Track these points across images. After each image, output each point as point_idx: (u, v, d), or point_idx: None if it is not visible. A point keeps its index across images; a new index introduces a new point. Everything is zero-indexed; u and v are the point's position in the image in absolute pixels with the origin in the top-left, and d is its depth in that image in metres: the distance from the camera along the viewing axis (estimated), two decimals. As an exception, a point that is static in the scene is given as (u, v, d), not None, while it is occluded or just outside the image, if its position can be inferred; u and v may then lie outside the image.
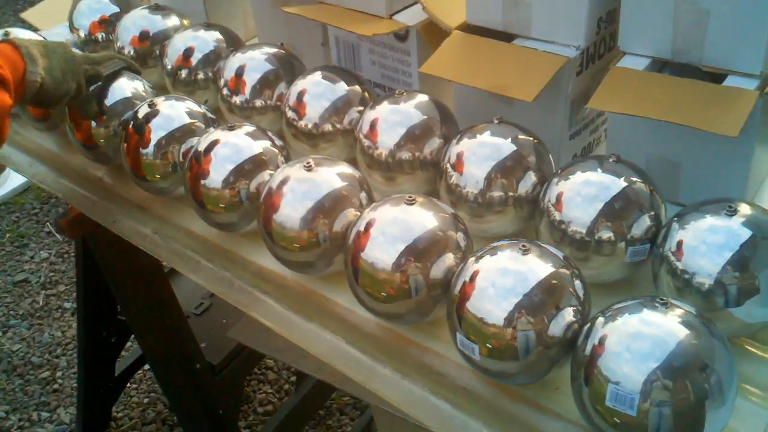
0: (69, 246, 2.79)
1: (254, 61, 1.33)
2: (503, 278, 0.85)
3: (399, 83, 1.37)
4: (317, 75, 1.25)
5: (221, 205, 1.10)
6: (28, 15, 1.74)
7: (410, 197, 0.96)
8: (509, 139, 1.06)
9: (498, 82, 1.14)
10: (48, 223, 2.90)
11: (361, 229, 0.95)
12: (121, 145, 1.21)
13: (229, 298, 1.06)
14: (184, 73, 1.41)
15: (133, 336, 2.00)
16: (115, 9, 1.57)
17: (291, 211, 1.01)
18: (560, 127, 1.21)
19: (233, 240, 1.15)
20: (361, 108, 1.23)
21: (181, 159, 1.18)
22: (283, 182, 1.03)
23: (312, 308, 1.01)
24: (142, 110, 1.21)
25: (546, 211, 1.00)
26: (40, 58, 1.11)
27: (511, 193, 1.04)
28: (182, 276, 1.86)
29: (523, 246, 0.87)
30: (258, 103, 1.31)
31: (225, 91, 1.33)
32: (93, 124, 1.27)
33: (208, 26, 1.46)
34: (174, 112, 1.21)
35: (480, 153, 1.06)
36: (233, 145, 1.11)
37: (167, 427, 2.12)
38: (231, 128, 1.13)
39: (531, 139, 1.08)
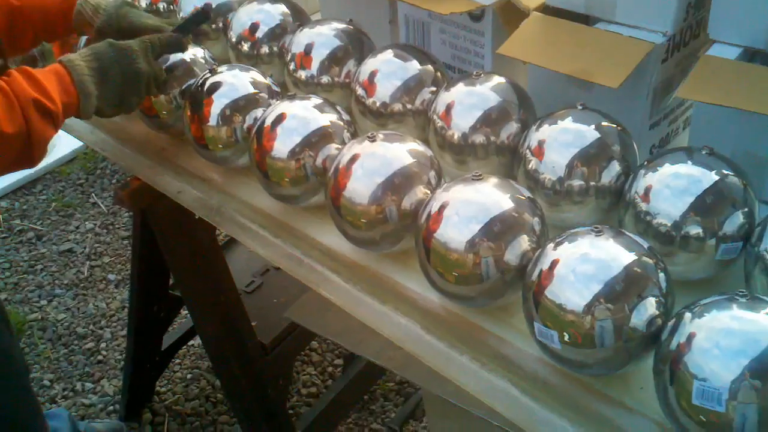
0: (114, 218, 2.82)
1: (323, 37, 1.32)
2: (583, 265, 0.84)
3: (470, 65, 1.35)
4: (389, 53, 1.24)
5: (286, 179, 1.10)
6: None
7: (477, 174, 0.95)
8: (593, 126, 1.04)
9: (581, 66, 1.11)
10: (93, 194, 2.93)
11: (434, 209, 0.94)
12: (184, 113, 1.22)
13: (297, 275, 1.06)
14: (247, 46, 1.41)
15: (181, 311, 2.03)
16: (178, -20, 1.57)
17: (360, 186, 1.00)
18: (641, 116, 1.19)
19: (297, 215, 1.15)
20: (433, 88, 1.22)
21: (245, 129, 1.18)
22: (354, 157, 1.02)
23: (383, 290, 1.01)
24: (206, 78, 1.21)
25: (632, 203, 0.98)
26: (94, 88, 1.11)
27: (592, 183, 1.02)
28: (233, 253, 1.88)
29: (601, 231, 0.86)
30: (324, 79, 1.31)
31: (291, 66, 1.33)
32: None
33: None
34: (238, 81, 1.22)
35: (562, 139, 1.04)
36: (300, 118, 1.11)
37: (210, 403, 2.14)
38: (298, 99, 1.13)
39: (616, 126, 1.06)
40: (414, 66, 1.23)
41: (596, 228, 0.87)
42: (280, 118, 1.10)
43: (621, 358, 0.84)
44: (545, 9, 1.21)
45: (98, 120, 1.44)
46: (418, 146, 1.05)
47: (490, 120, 1.11)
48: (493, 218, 0.91)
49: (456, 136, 1.12)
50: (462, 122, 1.12)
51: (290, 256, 1.08)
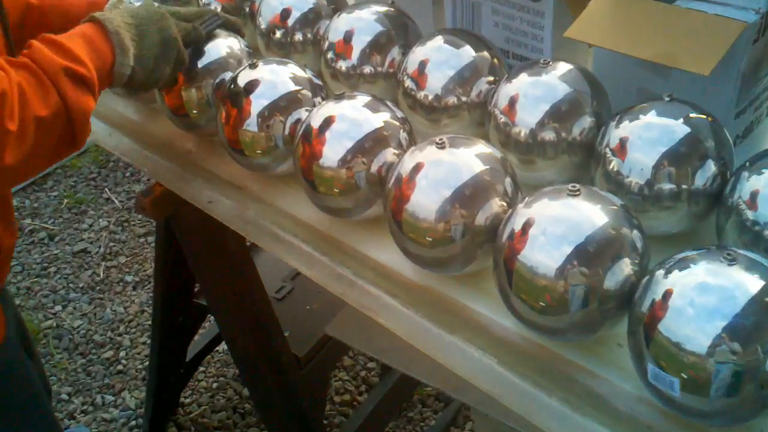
0: (129, 214, 2.72)
1: (363, 23, 1.20)
2: (703, 296, 0.72)
3: (528, 49, 1.23)
4: (439, 39, 1.13)
5: (336, 189, 0.98)
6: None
7: (574, 188, 0.83)
8: (681, 120, 0.93)
9: (664, 51, 0.99)
10: (107, 189, 2.83)
11: (517, 227, 0.83)
12: (218, 114, 1.11)
13: (349, 299, 0.95)
14: (279, 33, 1.29)
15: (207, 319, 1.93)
16: (201, -40, 1.45)
17: (426, 199, 0.89)
18: (728, 104, 1.06)
19: (348, 228, 1.03)
20: (490, 78, 1.10)
21: (286, 132, 1.06)
22: (418, 166, 0.90)
23: (450, 316, 0.90)
24: (241, 75, 1.10)
25: (735, 209, 0.86)
26: (132, 45, 1.00)
27: (684, 186, 0.91)
28: (260, 257, 1.78)
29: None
30: (367, 69, 1.19)
31: (330, 55, 1.21)
32: (183, 89, 1.16)
33: (305, -19, 1.33)
34: (277, 77, 1.10)
35: (647, 137, 0.93)
36: (350, 119, 0.99)
37: (238, 415, 2.04)
38: (347, 98, 1.01)
39: (708, 119, 0.94)
40: (468, 53, 1.11)
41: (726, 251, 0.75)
42: (328, 121, 0.99)
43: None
44: (615, -14, 1.09)
45: (118, 120, 1.34)
46: (489, 150, 0.94)
47: (561, 114, 1.00)
48: (588, 239, 0.79)
49: (523, 134, 1.01)
50: (529, 117, 1.01)
51: (339, 277, 0.97)
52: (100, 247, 2.61)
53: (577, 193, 0.81)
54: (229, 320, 1.48)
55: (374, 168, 0.97)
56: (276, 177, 1.12)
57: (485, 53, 1.12)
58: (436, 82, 1.10)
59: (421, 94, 1.11)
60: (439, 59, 1.11)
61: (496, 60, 1.12)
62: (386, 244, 0.95)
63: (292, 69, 1.12)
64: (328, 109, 1.01)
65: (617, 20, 1.05)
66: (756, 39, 1.03)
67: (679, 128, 0.92)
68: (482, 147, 0.94)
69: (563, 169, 1.03)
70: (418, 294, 0.93)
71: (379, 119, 1.00)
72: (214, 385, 2.12)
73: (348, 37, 1.20)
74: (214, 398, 2.09)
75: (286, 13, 1.30)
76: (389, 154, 0.97)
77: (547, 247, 0.80)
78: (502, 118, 1.03)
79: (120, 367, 2.20)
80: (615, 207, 0.83)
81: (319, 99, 1.10)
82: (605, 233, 0.79)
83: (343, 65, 1.20)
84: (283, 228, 1.05)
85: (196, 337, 1.94)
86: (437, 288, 0.92)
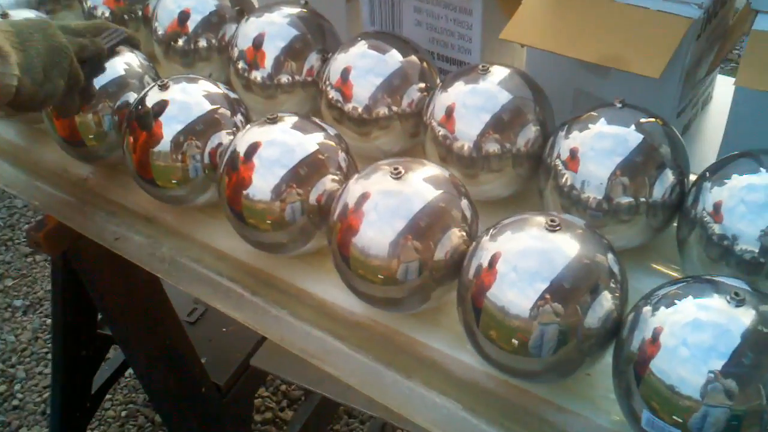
0: (12, 232, 2.52)
1: (275, 27, 1.10)
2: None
3: (455, 49, 1.16)
4: (362, 45, 1.04)
5: (268, 221, 0.88)
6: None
7: (553, 222, 0.75)
8: (634, 128, 0.87)
9: (609, 52, 0.94)
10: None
11: (484, 262, 0.75)
12: (124, 141, 0.98)
13: (293, 347, 0.86)
14: (182, 41, 1.17)
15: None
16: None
17: (376, 234, 0.80)
18: (671, 104, 1.03)
19: (280, 263, 0.94)
20: (422, 84, 1.02)
21: (206, 160, 0.95)
22: (365, 195, 0.81)
23: (407, 357, 0.82)
24: (150, 96, 0.98)
25: (699, 222, 0.81)
26: (13, 52, 0.86)
27: (642, 199, 0.86)
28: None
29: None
30: (284, 79, 1.09)
31: (240, 65, 1.11)
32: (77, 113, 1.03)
33: (203, -20, 1.21)
34: (190, 97, 0.98)
35: (600, 147, 0.87)
36: (281, 144, 0.89)
37: (152, 443, 1.92)
38: (273, 121, 0.91)
39: (661, 124, 0.89)
40: (395, 58, 1.03)
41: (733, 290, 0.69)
42: (255, 147, 0.88)
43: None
44: (551, -20, 1.03)
45: (1, 147, 1.19)
46: (441, 172, 0.85)
47: (503, 124, 0.93)
48: (562, 274, 0.72)
49: (466, 147, 0.93)
50: (470, 129, 0.93)
51: (276, 319, 0.88)
52: (-19, 268, 2.40)
53: (557, 227, 0.74)
54: (142, 355, 1.36)
55: (313, 198, 0.87)
56: (194, 208, 1.00)
57: (413, 57, 1.04)
58: (363, 92, 1.01)
59: (348, 106, 1.02)
60: (364, 66, 1.02)
61: (425, 64, 1.05)
62: (327, 278, 0.87)
63: (205, 86, 1.00)
64: (255, 133, 0.90)
65: (556, 18, 1.00)
66: (699, 35, 0.99)
67: (633, 137, 0.87)
68: (437, 170, 0.85)
69: (509, 182, 0.96)
70: (367, 333, 0.84)
71: (312, 142, 0.90)
72: (123, 413, 1.98)
73: (259, 44, 1.09)
74: (124, 427, 1.95)
75: (184, 16, 1.18)
76: (329, 181, 0.88)
77: (519, 285, 0.73)
78: (441, 131, 0.95)
79: (15, 402, 2.02)
80: (581, 231, 0.77)
81: (239, 117, 0.99)
82: (579, 264, 0.73)
83: (257, 75, 1.09)
84: (207, 265, 0.94)
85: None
86: (389, 324, 0.84)
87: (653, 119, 0.89)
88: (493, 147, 0.93)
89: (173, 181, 0.97)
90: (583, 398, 0.76)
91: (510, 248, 0.75)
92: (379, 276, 0.81)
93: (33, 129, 1.18)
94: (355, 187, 0.83)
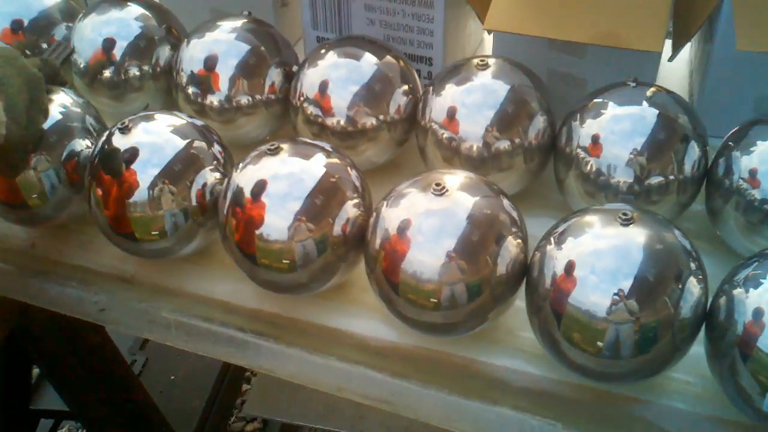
0: None
1: (224, 44, 1.01)
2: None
3: (414, 45, 1.11)
4: (331, 55, 0.97)
5: (285, 260, 0.80)
6: None
7: (626, 215, 0.72)
8: (654, 106, 0.86)
9: (602, 30, 0.92)
10: None
11: (558, 269, 0.71)
12: (91, 194, 0.86)
13: (354, 394, 0.78)
14: (108, 71, 1.05)
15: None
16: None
17: (426, 256, 0.74)
18: (651, 77, 1.03)
19: (295, 304, 0.85)
20: (405, 87, 0.97)
21: (193, 203, 0.85)
22: (407, 222, 0.75)
23: (478, 383, 0.76)
24: (112, 141, 0.86)
25: (736, 191, 0.81)
26: None
27: (672, 177, 0.84)
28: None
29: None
30: (243, 100, 1.00)
31: (191, 90, 1.01)
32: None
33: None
34: (156, 137, 0.87)
35: (620, 130, 0.85)
36: (288, 175, 0.81)
37: None
38: (273, 152, 0.82)
39: (676, 97, 0.88)
40: (369, 61, 0.97)
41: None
42: (261, 184, 0.79)
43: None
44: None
45: None
46: (475, 178, 0.80)
47: (510, 118, 0.89)
48: (642, 268, 0.69)
49: (475, 147, 0.89)
50: (476, 128, 0.89)
51: (312, 365, 0.80)
52: None
53: (630, 221, 0.71)
54: (106, 429, 1.22)
55: (337, 229, 0.80)
56: (177, 259, 0.89)
57: (389, 58, 0.98)
58: (343, 103, 0.95)
59: (331, 121, 0.95)
60: (340, 76, 0.95)
61: (402, 63, 0.99)
62: (362, 312, 0.80)
63: (168, 120, 0.90)
64: (258, 167, 0.81)
65: (537, 2, 0.96)
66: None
67: (652, 115, 0.85)
68: (483, 187, 0.79)
69: (519, 178, 0.93)
70: (408, 364, 0.79)
71: (318, 166, 0.82)
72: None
73: (211, 66, 1.00)
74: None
75: (109, 44, 1.06)
76: (350, 207, 0.81)
77: (598, 285, 0.70)
78: (444, 133, 0.90)
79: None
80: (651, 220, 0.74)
81: (216, 147, 0.89)
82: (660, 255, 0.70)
83: (213, 100, 1.00)
84: (223, 323, 0.84)
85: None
86: (443, 349, 0.79)
87: (666, 92, 0.88)
88: (503, 143, 0.89)
89: (154, 233, 0.86)
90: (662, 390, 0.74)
91: (582, 251, 0.72)
92: (432, 300, 0.75)
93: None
94: (392, 212, 0.77)
